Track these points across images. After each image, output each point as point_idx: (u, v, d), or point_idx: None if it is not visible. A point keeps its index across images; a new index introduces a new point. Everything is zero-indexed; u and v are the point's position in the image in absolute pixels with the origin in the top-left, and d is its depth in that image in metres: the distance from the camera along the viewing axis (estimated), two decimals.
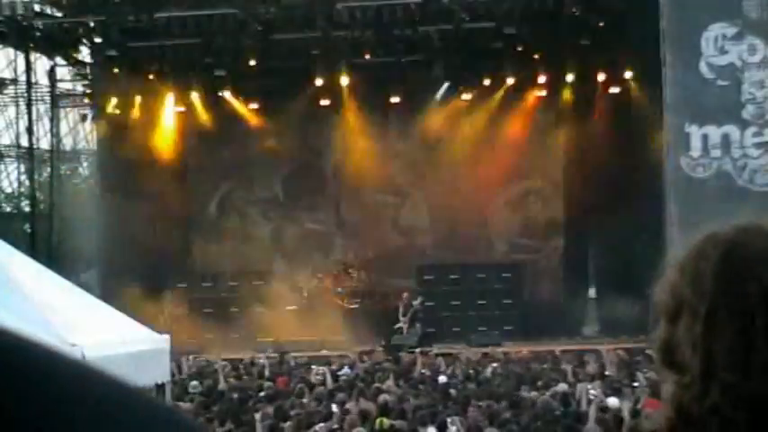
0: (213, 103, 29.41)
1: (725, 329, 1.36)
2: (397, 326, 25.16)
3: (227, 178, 30.66)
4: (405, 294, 25.84)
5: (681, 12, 22.41)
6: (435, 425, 11.92)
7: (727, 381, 1.33)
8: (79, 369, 0.79)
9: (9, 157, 31.76)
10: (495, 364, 19.16)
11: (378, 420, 12.01)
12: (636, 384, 14.68)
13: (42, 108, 30.36)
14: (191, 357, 21.83)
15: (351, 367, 19.57)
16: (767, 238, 1.42)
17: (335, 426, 12.21)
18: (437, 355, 22.93)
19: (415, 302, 25.44)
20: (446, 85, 28.47)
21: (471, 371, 18.22)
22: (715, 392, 1.34)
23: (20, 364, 0.76)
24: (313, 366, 19.18)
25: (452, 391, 15.15)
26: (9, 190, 32.94)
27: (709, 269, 1.40)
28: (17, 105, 30.27)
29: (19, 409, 0.74)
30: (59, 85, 30.46)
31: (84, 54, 29.90)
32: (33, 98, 29.68)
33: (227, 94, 29.40)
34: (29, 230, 29.30)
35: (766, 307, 1.35)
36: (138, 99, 29.23)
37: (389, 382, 16.09)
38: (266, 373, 18.85)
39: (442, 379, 16.83)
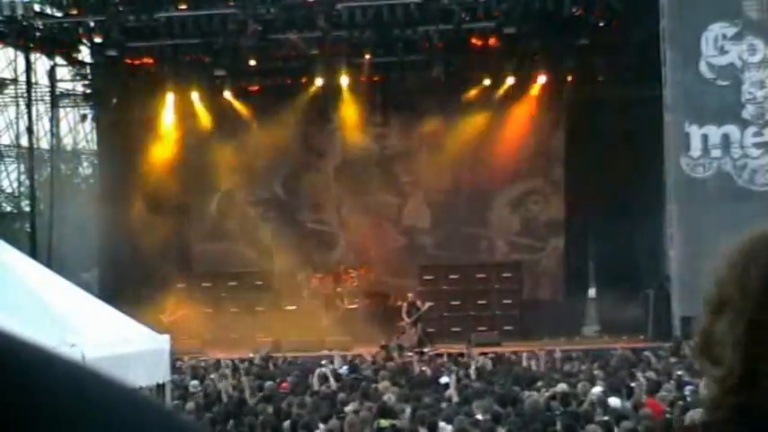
0: (213, 103, 29.41)
1: None
2: (399, 325, 25.15)
3: (227, 178, 30.65)
4: (410, 295, 25.82)
5: (681, 12, 22.41)
6: (435, 425, 11.91)
7: None
8: (76, 371, 0.78)
9: (9, 157, 31.78)
10: (490, 364, 19.17)
11: (378, 420, 12.01)
12: (634, 384, 14.67)
13: (42, 108, 30.39)
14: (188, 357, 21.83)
15: (351, 367, 19.57)
16: None
17: (335, 426, 12.20)
18: (437, 355, 22.93)
19: (422, 306, 25.36)
20: (446, 84, 28.46)
21: (472, 370, 18.21)
22: (754, 394, 1.34)
23: (16, 366, 0.75)
24: (322, 365, 19.11)
25: (452, 392, 15.14)
26: (9, 190, 32.96)
27: (757, 273, 1.39)
28: (17, 105, 30.30)
29: (15, 411, 0.73)
30: (59, 85, 30.48)
31: (85, 54, 29.91)
32: (33, 98, 29.70)
33: (227, 94, 29.40)
34: (29, 230, 29.31)
35: None
36: (137, 99, 29.24)
37: (389, 383, 16.08)
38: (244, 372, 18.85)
39: (443, 379, 16.82)
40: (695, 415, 10.76)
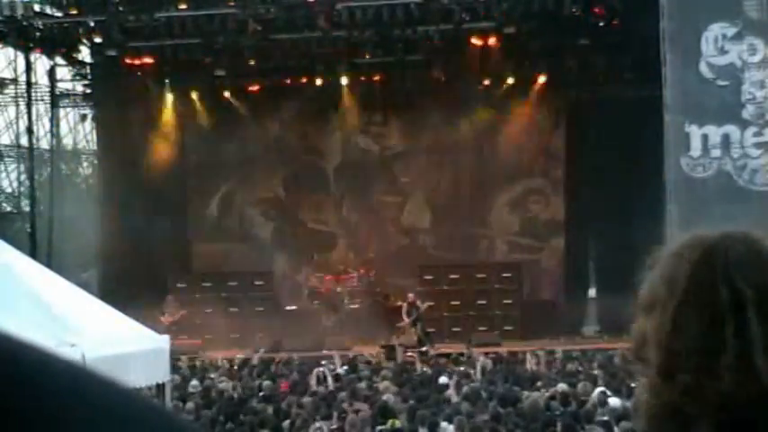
0: (213, 103, 29.42)
1: (691, 331, 1.37)
2: (399, 325, 25.14)
3: (227, 178, 30.66)
4: (410, 295, 25.80)
5: (681, 12, 22.39)
6: (435, 425, 11.91)
7: (689, 383, 1.34)
8: (75, 372, 0.78)
9: (9, 157, 31.78)
10: (490, 364, 19.16)
11: (390, 422, 12.01)
12: (634, 385, 14.66)
13: (42, 108, 30.38)
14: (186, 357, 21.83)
15: (351, 368, 19.57)
16: (747, 246, 1.42)
17: (335, 425, 12.21)
18: (437, 355, 22.94)
19: (422, 305, 25.34)
20: (448, 84, 28.45)
21: (471, 370, 18.21)
22: (674, 392, 1.35)
23: (15, 368, 0.75)
24: (322, 365, 19.11)
25: (452, 392, 15.14)
26: (9, 190, 32.94)
27: (684, 269, 1.41)
28: (17, 105, 30.29)
29: (14, 413, 0.73)
30: (59, 85, 30.47)
31: (85, 54, 29.90)
32: (33, 98, 29.69)
33: (227, 94, 29.41)
34: (29, 230, 29.29)
35: (735, 312, 1.35)
36: (137, 99, 29.24)
37: (389, 383, 16.08)
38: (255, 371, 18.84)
39: (443, 379, 16.82)
40: None
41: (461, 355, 22.03)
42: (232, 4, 25.93)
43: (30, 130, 29.39)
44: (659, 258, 1.48)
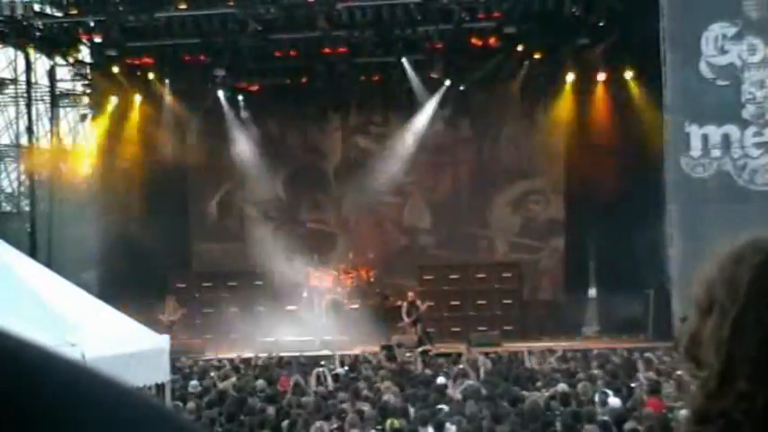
0: (213, 102, 29.41)
1: (751, 336, 1.35)
2: (399, 325, 25.15)
3: (227, 178, 30.66)
4: (410, 294, 25.81)
5: (681, 12, 22.40)
6: (435, 425, 11.92)
7: (743, 389, 1.33)
8: (75, 370, 0.78)
9: (9, 157, 31.76)
10: (489, 364, 19.16)
11: (389, 422, 12.01)
12: (634, 385, 14.67)
13: (42, 108, 30.37)
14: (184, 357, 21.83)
15: (351, 367, 19.57)
16: None
17: (335, 425, 12.21)
18: (437, 354, 22.93)
19: (422, 305, 25.33)
20: (446, 84, 28.47)
21: (471, 371, 18.21)
22: (729, 398, 1.34)
23: (16, 366, 0.75)
24: (321, 365, 19.13)
25: (452, 391, 15.14)
26: (9, 190, 32.93)
27: (745, 273, 1.39)
28: (17, 105, 30.28)
29: (15, 411, 0.73)
30: (59, 84, 30.47)
31: (85, 54, 29.89)
32: (33, 98, 29.68)
33: (226, 94, 29.41)
34: (29, 230, 29.28)
35: None
36: (137, 99, 29.25)
37: (390, 383, 16.08)
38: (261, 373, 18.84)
39: (442, 379, 16.82)
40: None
41: (460, 355, 22.02)
42: (232, 4, 25.92)
43: (30, 130, 29.39)
44: (715, 260, 1.46)
